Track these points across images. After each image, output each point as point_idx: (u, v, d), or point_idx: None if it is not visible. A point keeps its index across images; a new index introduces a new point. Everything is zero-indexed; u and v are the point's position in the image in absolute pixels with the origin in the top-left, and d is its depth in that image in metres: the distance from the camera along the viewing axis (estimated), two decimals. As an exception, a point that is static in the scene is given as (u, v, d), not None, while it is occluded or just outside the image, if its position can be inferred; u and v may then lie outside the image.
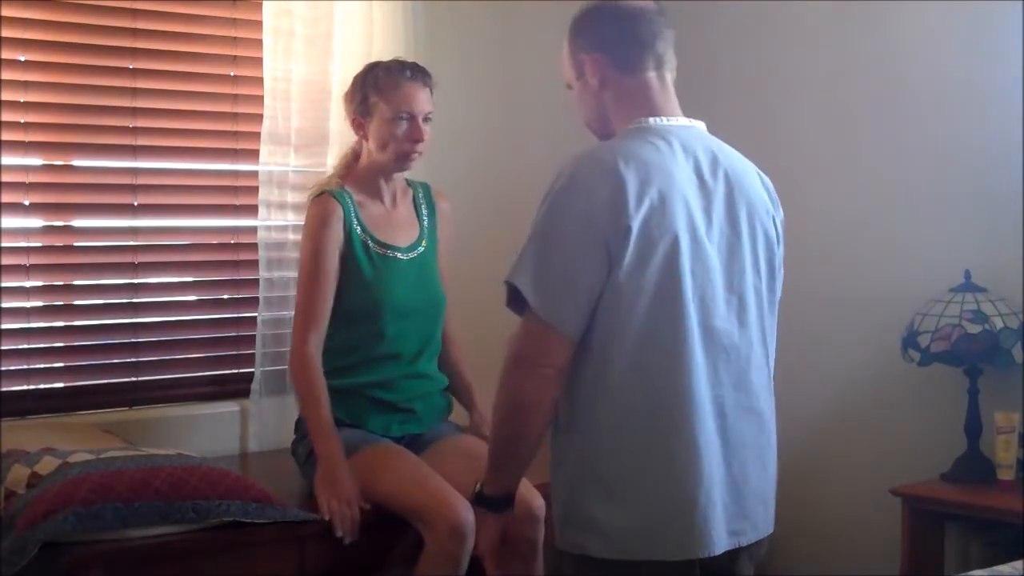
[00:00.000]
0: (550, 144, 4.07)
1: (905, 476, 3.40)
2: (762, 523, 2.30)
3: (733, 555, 2.26)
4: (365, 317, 3.03)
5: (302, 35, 3.56)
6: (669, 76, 2.34)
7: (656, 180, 2.16)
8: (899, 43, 3.67)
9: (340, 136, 3.55)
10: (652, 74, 2.31)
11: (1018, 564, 2.48)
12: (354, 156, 3.14)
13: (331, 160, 3.55)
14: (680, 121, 2.30)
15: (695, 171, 2.23)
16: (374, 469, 2.91)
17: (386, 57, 3.63)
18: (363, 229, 3.03)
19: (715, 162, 2.26)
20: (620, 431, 2.17)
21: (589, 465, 2.19)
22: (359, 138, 3.10)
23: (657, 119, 2.28)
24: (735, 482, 2.22)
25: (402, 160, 3.06)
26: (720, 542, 2.20)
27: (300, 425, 3.07)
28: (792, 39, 3.91)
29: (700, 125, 2.34)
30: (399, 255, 3.08)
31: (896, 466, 3.51)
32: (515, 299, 2.18)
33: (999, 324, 3.26)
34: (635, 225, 2.12)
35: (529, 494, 2.82)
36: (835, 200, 3.75)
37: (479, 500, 2.32)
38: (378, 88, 3.03)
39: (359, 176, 3.09)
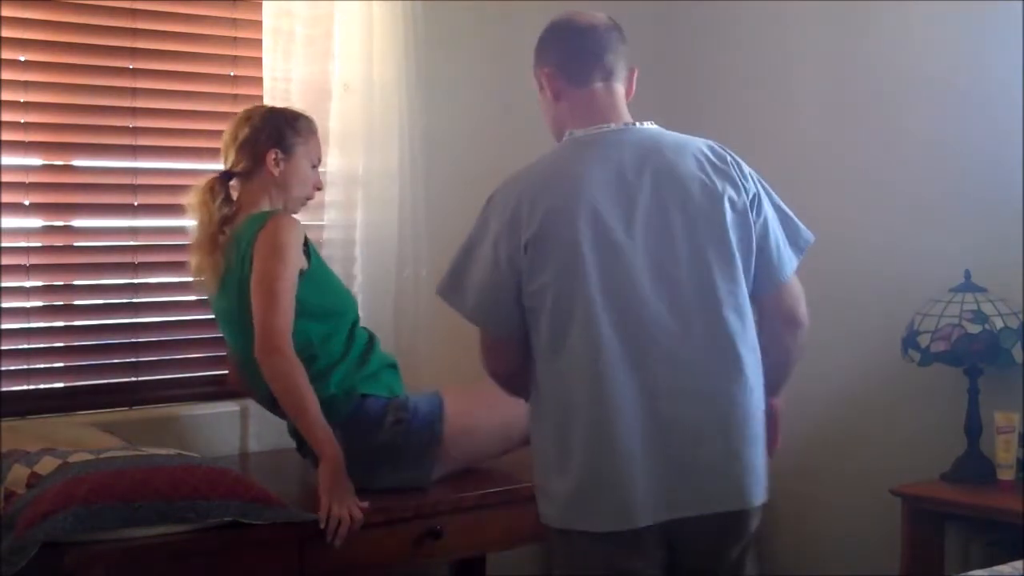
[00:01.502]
0: (550, 145, 4.06)
1: (905, 476, 3.40)
2: (717, 497, 2.38)
3: (707, 530, 2.40)
4: (347, 308, 3.14)
5: (302, 35, 3.56)
6: (618, 86, 2.52)
7: (555, 192, 2.39)
8: (899, 43, 3.67)
9: (340, 136, 3.55)
10: (599, 85, 2.50)
11: (1018, 564, 2.48)
12: (225, 187, 3.11)
13: (331, 160, 3.55)
14: (614, 126, 2.47)
15: (616, 172, 2.40)
16: (473, 400, 3.08)
17: (386, 57, 3.63)
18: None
19: (643, 160, 2.41)
20: (556, 416, 2.41)
21: (543, 444, 2.46)
22: (269, 170, 3.10)
23: (587, 129, 2.47)
24: (671, 459, 2.36)
25: (306, 201, 3.22)
26: (644, 516, 2.35)
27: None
28: (792, 40, 3.92)
29: (648, 125, 2.50)
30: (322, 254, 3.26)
31: (896, 466, 3.52)
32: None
33: (999, 324, 3.26)
34: (529, 237, 2.36)
35: None
36: (835, 200, 3.75)
37: None
38: (297, 131, 3.14)
39: (266, 200, 3.12)
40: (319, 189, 3.25)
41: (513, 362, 2.48)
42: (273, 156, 3.10)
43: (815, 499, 3.77)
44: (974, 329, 3.26)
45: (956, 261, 3.41)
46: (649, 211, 2.38)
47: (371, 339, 3.16)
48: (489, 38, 4.03)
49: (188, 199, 3.13)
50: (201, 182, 3.13)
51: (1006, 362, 3.29)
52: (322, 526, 2.77)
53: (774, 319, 2.49)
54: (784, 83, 3.93)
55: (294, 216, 3.11)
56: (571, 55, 2.51)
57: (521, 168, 2.50)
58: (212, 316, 3.58)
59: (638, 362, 2.35)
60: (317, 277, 3.05)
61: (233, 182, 3.14)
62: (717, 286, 2.38)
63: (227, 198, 3.10)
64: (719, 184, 2.42)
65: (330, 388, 2.99)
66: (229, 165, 3.14)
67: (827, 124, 3.83)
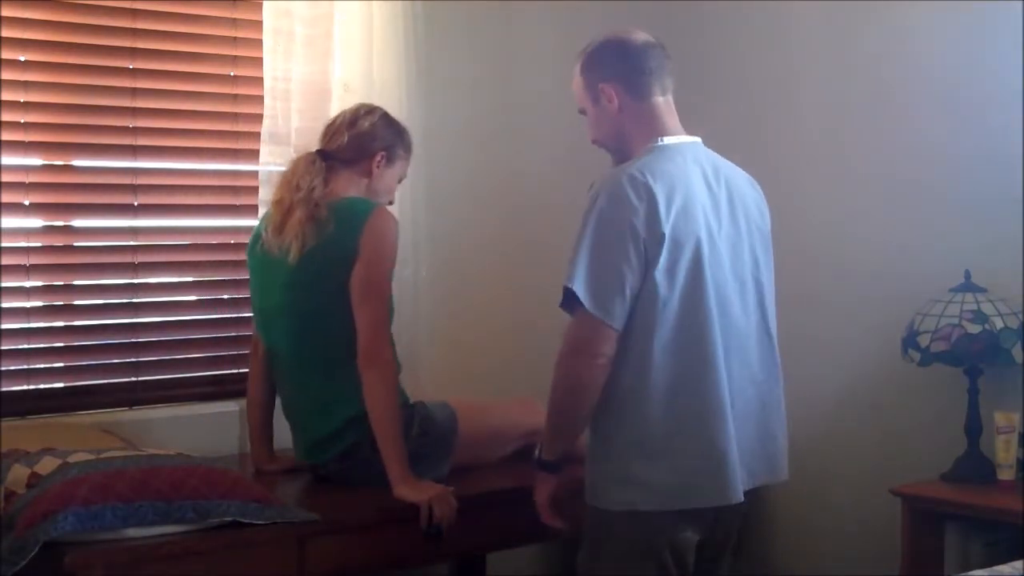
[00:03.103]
0: (550, 145, 4.08)
1: (905, 476, 3.40)
2: (761, 474, 2.72)
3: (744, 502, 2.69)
4: (393, 311, 3.13)
5: (302, 35, 3.56)
6: (671, 99, 2.73)
7: (679, 191, 2.57)
8: (898, 43, 3.67)
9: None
10: (660, 99, 2.71)
11: (1018, 564, 2.48)
12: (320, 169, 3.10)
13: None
14: (685, 139, 2.71)
15: (704, 180, 2.64)
16: (479, 413, 3.21)
17: (386, 57, 3.64)
18: None
19: (716, 171, 2.68)
20: (661, 403, 2.56)
21: (636, 434, 2.58)
22: (369, 168, 3.14)
23: (669, 138, 2.67)
24: (739, 440, 2.63)
25: None
26: (737, 492, 2.62)
27: (355, 449, 3.05)
28: (791, 40, 3.91)
29: (698, 140, 2.73)
30: None
31: (896, 466, 3.51)
32: (566, 299, 2.56)
33: (999, 324, 3.26)
34: (667, 231, 2.52)
35: None
36: (835, 200, 3.75)
37: (540, 464, 2.72)
38: (404, 145, 3.21)
39: (352, 192, 3.13)
40: (391, 204, 3.24)
41: (611, 357, 2.54)
42: (379, 158, 3.15)
43: (815, 499, 3.77)
44: (974, 329, 3.25)
45: (956, 261, 3.41)
46: (727, 217, 2.66)
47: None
48: (489, 38, 4.03)
49: (287, 169, 3.14)
50: (302, 154, 3.15)
51: (1006, 362, 3.28)
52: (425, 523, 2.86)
53: None
54: (784, 83, 3.93)
55: None
56: (635, 71, 2.68)
57: (627, 166, 2.61)
58: (212, 316, 3.60)
59: (726, 352, 2.61)
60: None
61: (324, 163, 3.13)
62: (765, 294, 2.73)
63: (323, 177, 3.10)
64: (764, 209, 2.78)
65: None
66: (333, 147, 3.14)
67: (827, 124, 3.82)
